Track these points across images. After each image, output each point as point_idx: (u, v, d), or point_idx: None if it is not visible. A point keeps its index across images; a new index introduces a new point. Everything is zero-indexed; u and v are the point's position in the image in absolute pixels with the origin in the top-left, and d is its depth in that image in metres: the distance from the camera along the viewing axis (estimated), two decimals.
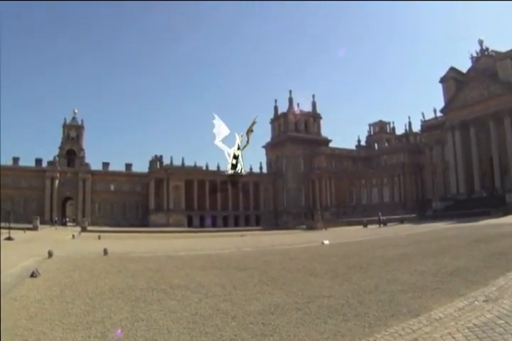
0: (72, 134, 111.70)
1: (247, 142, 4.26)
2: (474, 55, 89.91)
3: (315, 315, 9.05)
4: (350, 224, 75.16)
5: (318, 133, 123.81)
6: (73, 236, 49.69)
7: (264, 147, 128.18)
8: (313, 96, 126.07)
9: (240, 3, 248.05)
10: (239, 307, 10.08)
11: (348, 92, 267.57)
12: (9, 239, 39.66)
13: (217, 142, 4.30)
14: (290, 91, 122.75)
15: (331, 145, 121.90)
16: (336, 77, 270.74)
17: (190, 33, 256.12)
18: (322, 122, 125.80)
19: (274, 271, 16.38)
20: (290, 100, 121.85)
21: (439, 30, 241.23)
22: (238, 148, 4.34)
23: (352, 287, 12.47)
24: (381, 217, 65.21)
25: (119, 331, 8.37)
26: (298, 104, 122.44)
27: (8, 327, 8.31)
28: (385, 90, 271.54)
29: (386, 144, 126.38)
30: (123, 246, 34.18)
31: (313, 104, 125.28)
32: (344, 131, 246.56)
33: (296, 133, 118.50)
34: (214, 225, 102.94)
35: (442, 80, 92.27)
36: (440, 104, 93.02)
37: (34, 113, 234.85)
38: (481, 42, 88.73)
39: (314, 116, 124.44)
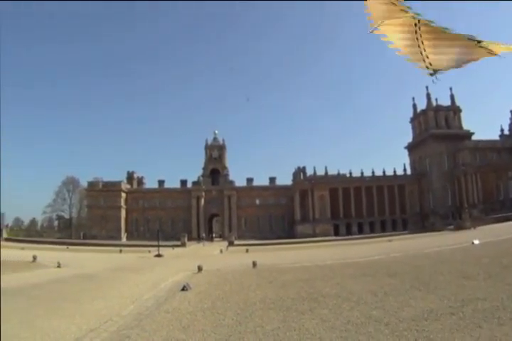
0: (215, 154, 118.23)
1: None
2: None
3: (469, 320, 8.59)
4: (499, 220, 69.15)
5: (460, 127, 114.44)
6: (221, 250, 51.40)
7: (406, 148, 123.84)
8: (451, 88, 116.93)
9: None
10: (391, 314, 9.73)
11: (487, 81, 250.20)
12: (159, 255, 42.56)
13: None
14: (427, 87, 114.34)
15: (473, 138, 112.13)
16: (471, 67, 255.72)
17: (326, 44, 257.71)
18: (462, 115, 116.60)
19: (425, 275, 15.77)
20: (428, 96, 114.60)
21: None
22: None
23: (507, 288, 11.74)
24: None
25: None
26: (436, 99, 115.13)
27: (162, 337, 8.88)
28: None
29: None
30: (271, 258, 34.65)
31: (452, 97, 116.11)
32: (486, 121, 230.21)
33: (437, 129, 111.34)
34: (361, 232, 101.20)
35: None
36: None
37: (177, 137, 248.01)
38: None
39: (454, 110, 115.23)
